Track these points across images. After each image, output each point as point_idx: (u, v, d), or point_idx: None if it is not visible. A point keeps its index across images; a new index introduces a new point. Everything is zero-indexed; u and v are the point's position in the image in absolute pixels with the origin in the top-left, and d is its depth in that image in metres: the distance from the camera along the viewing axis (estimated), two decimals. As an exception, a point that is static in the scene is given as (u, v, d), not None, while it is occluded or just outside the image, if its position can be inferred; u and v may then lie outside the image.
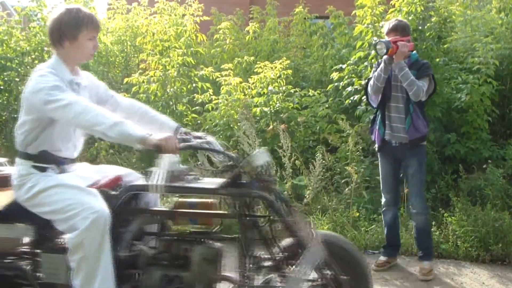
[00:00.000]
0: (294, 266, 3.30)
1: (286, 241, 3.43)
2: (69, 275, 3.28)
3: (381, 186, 5.56)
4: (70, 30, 3.39)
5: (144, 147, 3.15)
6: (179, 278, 3.35)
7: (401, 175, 5.58)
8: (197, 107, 8.61)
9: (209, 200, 3.55)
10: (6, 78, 9.71)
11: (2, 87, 9.82)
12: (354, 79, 7.82)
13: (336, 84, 8.23)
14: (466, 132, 7.13)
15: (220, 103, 8.03)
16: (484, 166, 6.75)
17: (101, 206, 3.21)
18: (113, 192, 3.43)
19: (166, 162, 3.37)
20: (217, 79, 8.58)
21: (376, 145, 5.47)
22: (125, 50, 11.12)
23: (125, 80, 8.87)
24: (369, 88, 5.33)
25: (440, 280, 5.24)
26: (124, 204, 3.41)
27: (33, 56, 10.32)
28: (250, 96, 8.27)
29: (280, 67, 8.22)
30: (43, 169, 3.41)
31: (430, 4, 7.93)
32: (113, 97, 3.84)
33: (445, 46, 7.85)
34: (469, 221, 5.97)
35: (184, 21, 9.86)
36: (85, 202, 3.20)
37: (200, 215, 3.51)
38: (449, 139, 7.03)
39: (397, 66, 5.06)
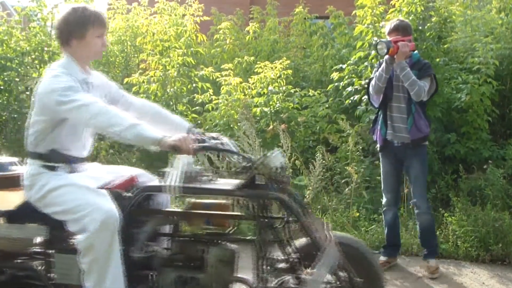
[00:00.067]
0: (309, 268, 3.28)
1: (301, 242, 3.42)
2: (82, 276, 3.28)
3: (382, 186, 5.56)
4: (77, 29, 3.39)
5: (160, 149, 3.14)
6: (194, 280, 3.33)
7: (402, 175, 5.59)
8: (197, 107, 8.61)
9: (224, 201, 3.54)
10: (6, 78, 9.69)
11: (2, 87, 9.80)
12: (354, 79, 7.82)
13: (336, 84, 8.23)
14: (466, 132, 7.13)
15: (220, 103, 8.03)
16: (485, 166, 6.75)
17: (110, 207, 3.20)
18: (127, 194, 3.41)
19: (181, 162, 3.36)
20: (217, 79, 8.57)
21: (378, 145, 5.47)
22: (125, 50, 11.12)
23: (125, 80, 8.86)
24: (370, 88, 5.33)
25: (440, 280, 5.23)
26: (138, 205, 3.40)
27: (33, 56, 10.31)
28: (250, 96, 8.27)
29: (280, 67, 8.22)
30: (53, 168, 3.41)
31: (430, 4, 7.93)
32: (125, 96, 3.83)
33: (445, 46, 7.85)
34: (469, 221, 5.97)
35: (184, 21, 9.86)
36: (94, 203, 3.20)
37: (216, 216, 3.50)
38: (449, 139, 7.03)
39: (399, 66, 5.06)
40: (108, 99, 3.61)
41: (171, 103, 8.59)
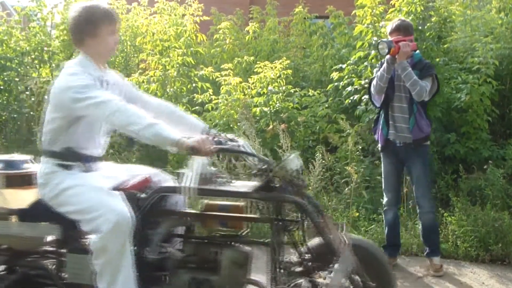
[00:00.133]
0: (324, 272, 3.28)
1: (315, 246, 3.41)
2: (94, 276, 3.27)
3: (383, 185, 5.56)
4: (88, 27, 3.38)
5: (178, 150, 3.13)
6: (207, 281, 3.32)
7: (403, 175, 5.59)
8: (197, 107, 8.60)
9: (239, 203, 3.53)
10: (6, 78, 9.70)
11: (2, 87, 9.81)
12: (354, 79, 7.82)
13: (336, 84, 8.23)
14: (466, 132, 7.13)
15: (220, 103, 8.03)
16: (485, 167, 6.75)
17: (124, 208, 3.18)
18: (142, 195, 3.40)
19: (198, 164, 3.34)
20: (217, 79, 8.57)
21: (379, 145, 5.47)
22: (125, 50, 11.11)
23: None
24: (372, 88, 5.33)
25: (440, 280, 5.23)
26: (153, 206, 3.39)
27: (32, 56, 10.32)
28: (250, 96, 8.27)
29: (280, 67, 8.21)
30: (67, 167, 3.40)
31: (430, 4, 7.92)
32: (141, 96, 3.82)
33: (445, 46, 7.85)
34: (469, 221, 5.97)
35: (184, 21, 9.85)
36: (107, 204, 3.18)
37: (231, 218, 3.49)
38: (449, 139, 7.02)
39: (400, 66, 5.06)
40: (124, 98, 3.57)
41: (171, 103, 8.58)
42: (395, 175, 5.45)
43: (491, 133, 7.33)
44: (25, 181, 3.67)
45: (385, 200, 5.52)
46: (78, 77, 3.25)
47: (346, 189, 6.64)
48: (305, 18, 10.96)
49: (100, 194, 3.25)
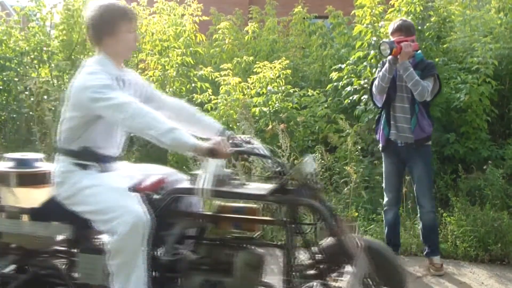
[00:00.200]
0: (335, 274, 3.28)
1: (328, 248, 3.38)
2: (106, 276, 3.25)
3: (383, 185, 5.56)
4: (106, 25, 3.36)
5: (197, 154, 3.12)
6: (221, 284, 3.30)
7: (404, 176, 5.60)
8: (196, 107, 8.59)
9: (254, 206, 3.51)
10: (5, 78, 9.68)
11: (1, 87, 9.79)
12: (353, 79, 7.82)
13: (335, 84, 8.23)
14: (465, 132, 7.13)
15: (219, 103, 8.03)
16: (484, 167, 6.75)
17: (141, 210, 3.16)
18: (156, 196, 3.39)
19: (213, 166, 3.31)
20: (216, 79, 8.57)
21: (380, 145, 5.47)
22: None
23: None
24: (373, 88, 5.33)
25: (439, 280, 5.23)
26: (167, 207, 3.37)
27: (32, 56, 10.30)
28: (249, 96, 8.27)
29: (279, 67, 8.22)
30: (85, 167, 3.37)
31: (429, 4, 7.94)
32: (159, 96, 3.80)
33: (444, 46, 7.85)
34: (468, 221, 5.97)
35: (183, 21, 9.85)
36: (125, 205, 3.15)
37: (246, 220, 3.47)
38: (448, 139, 7.02)
39: (402, 66, 5.06)
40: (142, 98, 3.57)
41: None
42: (396, 175, 5.45)
43: (490, 133, 7.33)
44: (37, 179, 3.64)
45: (385, 200, 5.52)
46: (97, 76, 3.23)
47: (345, 189, 6.64)
48: (304, 18, 10.98)
49: (117, 195, 3.23)
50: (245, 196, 3.40)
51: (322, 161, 6.60)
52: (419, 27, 7.55)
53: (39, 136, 8.55)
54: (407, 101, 5.20)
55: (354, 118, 7.68)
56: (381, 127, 5.36)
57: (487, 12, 8.87)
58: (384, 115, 5.34)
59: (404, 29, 5.20)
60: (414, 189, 5.41)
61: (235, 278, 3.29)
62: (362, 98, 7.54)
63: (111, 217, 3.14)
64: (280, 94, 8.12)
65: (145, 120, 3.07)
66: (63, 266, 3.52)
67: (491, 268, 5.55)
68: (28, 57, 10.24)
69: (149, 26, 9.43)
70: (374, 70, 7.39)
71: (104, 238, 3.44)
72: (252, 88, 8.35)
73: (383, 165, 5.56)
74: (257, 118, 7.90)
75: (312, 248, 3.36)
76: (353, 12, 8.50)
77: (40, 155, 3.84)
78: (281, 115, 7.83)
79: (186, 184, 3.48)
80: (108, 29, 3.36)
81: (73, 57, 10.58)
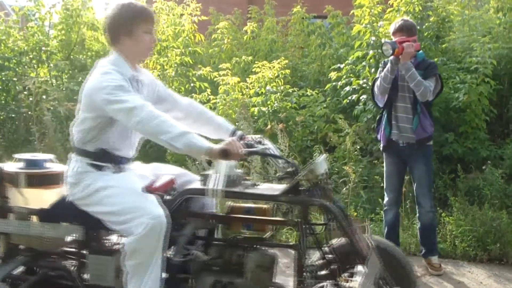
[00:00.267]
0: (346, 274, 3.27)
1: (339, 248, 3.38)
2: (116, 278, 3.25)
3: (384, 185, 5.56)
4: (124, 25, 3.33)
5: (210, 157, 3.11)
6: (232, 285, 3.29)
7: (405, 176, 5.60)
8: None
9: (264, 206, 3.50)
10: (4, 78, 9.70)
11: (0, 87, 9.80)
12: (352, 79, 7.82)
13: (334, 83, 8.23)
14: (464, 132, 7.12)
15: (218, 102, 8.02)
16: (484, 167, 6.75)
17: (160, 212, 3.14)
18: (168, 197, 3.37)
19: (224, 166, 3.29)
20: (215, 79, 8.57)
21: (382, 145, 5.47)
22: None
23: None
24: (375, 89, 5.33)
25: (438, 279, 5.24)
26: (179, 208, 3.35)
27: (30, 56, 10.32)
28: (248, 96, 8.27)
29: (278, 67, 8.22)
30: (100, 168, 3.35)
31: (428, 4, 7.94)
32: (172, 95, 3.76)
33: (443, 45, 7.85)
34: (467, 221, 5.97)
35: (182, 20, 9.86)
36: (143, 207, 3.14)
37: (258, 221, 3.45)
38: (447, 139, 7.01)
39: (404, 66, 5.05)
40: (155, 98, 3.56)
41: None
42: (397, 176, 5.44)
43: (489, 133, 7.33)
44: (46, 180, 3.63)
45: (386, 200, 5.51)
46: (111, 76, 3.20)
47: (344, 188, 6.64)
48: (303, 18, 10.96)
49: (135, 197, 3.22)
50: (257, 197, 3.39)
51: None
52: (418, 27, 7.54)
53: (38, 136, 8.56)
54: (409, 101, 5.19)
55: (353, 118, 7.68)
56: (383, 127, 5.36)
57: (486, 12, 8.87)
58: (385, 115, 5.34)
59: (405, 29, 5.20)
60: (414, 188, 5.40)
61: (247, 279, 3.28)
62: (361, 98, 7.54)
63: (129, 218, 3.13)
64: (279, 94, 8.12)
65: (157, 125, 3.05)
66: (73, 268, 3.51)
67: (490, 268, 5.55)
68: (27, 57, 10.26)
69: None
70: (373, 70, 7.41)
71: (114, 239, 3.47)
72: (251, 88, 8.35)
73: (384, 165, 5.56)
74: (256, 118, 7.90)
75: (324, 248, 3.35)
76: (352, 12, 8.50)
77: (50, 156, 3.82)
78: (280, 115, 7.83)
79: (197, 185, 3.45)
80: (125, 29, 3.34)
81: (71, 57, 10.61)
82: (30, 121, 9.12)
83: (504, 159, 6.94)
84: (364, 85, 7.53)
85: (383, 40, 7.27)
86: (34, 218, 3.51)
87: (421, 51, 5.33)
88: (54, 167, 3.72)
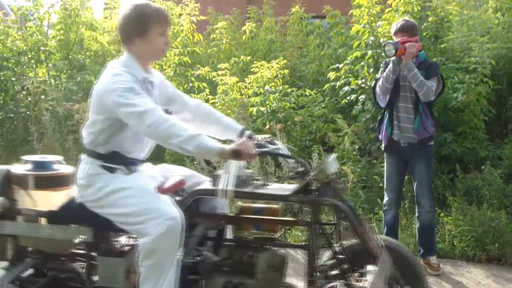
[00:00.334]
0: (356, 274, 3.25)
1: (350, 248, 3.37)
2: (126, 279, 3.24)
3: (384, 185, 5.56)
4: (138, 26, 3.28)
5: (222, 158, 3.09)
6: (243, 285, 3.27)
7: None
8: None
9: (274, 206, 3.49)
10: (2, 78, 9.69)
11: (-2, 87, 9.80)
12: (350, 79, 7.81)
13: (332, 83, 8.23)
14: (462, 132, 7.12)
15: (217, 102, 8.02)
16: (482, 167, 6.75)
17: (175, 212, 3.12)
18: (177, 197, 3.34)
19: (234, 166, 3.28)
20: (214, 79, 8.58)
21: (383, 145, 5.47)
22: (122, 50, 11.10)
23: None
24: (377, 89, 5.33)
25: (436, 279, 5.23)
26: (189, 208, 3.32)
27: (29, 56, 10.32)
28: (247, 96, 8.27)
29: (277, 67, 8.22)
30: (112, 170, 3.32)
31: (427, 4, 7.94)
32: (181, 96, 3.73)
33: (442, 45, 7.85)
34: (465, 221, 5.97)
35: (180, 20, 9.85)
36: (159, 208, 3.11)
37: (267, 221, 3.44)
38: (446, 139, 7.01)
39: (406, 67, 5.05)
40: (165, 99, 3.54)
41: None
42: (397, 176, 5.44)
43: (488, 133, 7.33)
44: (55, 182, 3.59)
45: (385, 199, 5.51)
46: (121, 78, 3.16)
47: (343, 188, 6.63)
48: (301, 18, 10.96)
49: (150, 197, 3.19)
50: (268, 197, 3.37)
51: (319, 161, 6.58)
52: (417, 27, 7.55)
53: (36, 136, 8.55)
54: (411, 101, 5.20)
55: (351, 118, 7.68)
56: (384, 127, 5.36)
57: (485, 12, 8.88)
58: (387, 115, 5.34)
59: (407, 30, 5.20)
60: (414, 188, 5.41)
61: (257, 279, 3.27)
62: (359, 97, 7.54)
63: (144, 219, 3.11)
64: (277, 94, 8.12)
65: (166, 128, 3.03)
66: (82, 270, 3.50)
67: (489, 268, 5.55)
68: (26, 57, 10.26)
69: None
70: (371, 70, 7.41)
71: (124, 240, 3.46)
72: (250, 88, 8.35)
73: (385, 165, 5.55)
74: (254, 118, 7.90)
75: (335, 248, 3.35)
76: (350, 12, 8.50)
77: (58, 157, 3.79)
78: (278, 115, 7.83)
79: (207, 185, 3.44)
80: (139, 30, 3.29)
81: (70, 56, 10.60)
82: (28, 121, 9.11)
83: (502, 159, 6.94)
84: (363, 85, 7.53)
85: (381, 40, 7.32)
86: (43, 220, 3.48)
87: (422, 51, 5.34)
88: (63, 168, 3.70)
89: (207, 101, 8.29)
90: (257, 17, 11.91)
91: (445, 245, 5.87)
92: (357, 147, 7.12)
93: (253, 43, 10.87)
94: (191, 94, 8.51)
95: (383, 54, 7.16)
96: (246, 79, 8.45)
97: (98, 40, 10.96)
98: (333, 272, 3.33)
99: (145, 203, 3.16)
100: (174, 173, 3.61)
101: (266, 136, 3.74)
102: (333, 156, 3.36)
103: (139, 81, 3.26)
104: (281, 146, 3.60)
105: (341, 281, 3.25)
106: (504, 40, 7.81)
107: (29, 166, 3.64)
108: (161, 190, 3.32)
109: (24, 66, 10.20)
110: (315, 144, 7.31)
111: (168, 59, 8.73)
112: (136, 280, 3.19)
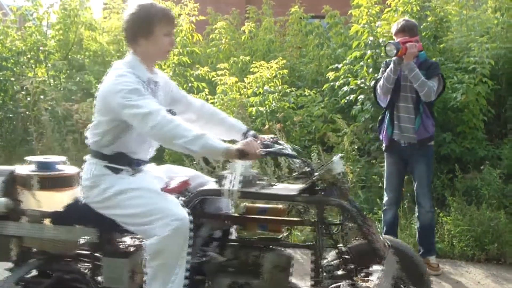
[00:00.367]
0: (362, 274, 3.24)
1: (355, 248, 3.36)
2: (131, 280, 3.23)
3: (384, 185, 5.56)
4: (144, 26, 3.25)
5: (227, 158, 3.08)
6: (249, 286, 3.25)
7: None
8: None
9: (279, 206, 3.47)
10: (1, 78, 9.69)
11: (-3, 87, 9.80)
12: (349, 79, 7.82)
13: (331, 83, 8.24)
14: (461, 132, 7.13)
15: (216, 102, 8.02)
16: (482, 167, 6.75)
17: (184, 213, 3.10)
18: (184, 198, 3.32)
19: (239, 166, 3.26)
20: (213, 79, 8.58)
21: (384, 145, 5.47)
22: (121, 49, 11.09)
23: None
24: (378, 89, 5.33)
25: (436, 279, 5.22)
26: (194, 209, 3.29)
27: (28, 56, 10.32)
28: (246, 96, 8.27)
29: (276, 67, 8.22)
30: (117, 171, 3.30)
31: (426, 3, 7.95)
32: (185, 97, 3.72)
33: (441, 45, 7.86)
34: (464, 221, 5.97)
35: (180, 20, 9.85)
36: (166, 209, 3.09)
37: (273, 221, 3.43)
38: (445, 139, 7.01)
39: (407, 67, 5.05)
40: (170, 99, 3.53)
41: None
42: (397, 176, 5.44)
43: (487, 133, 7.33)
44: (59, 183, 3.58)
45: (385, 199, 5.51)
46: (126, 79, 3.14)
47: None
48: (301, 17, 10.96)
49: (157, 198, 3.17)
50: (274, 197, 3.35)
51: (319, 161, 6.59)
52: (416, 27, 7.56)
53: (36, 136, 8.55)
54: (411, 101, 5.20)
55: (350, 117, 7.68)
56: (385, 127, 5.36)
57: (484, 12, 8.88)
58: (387, 115, 5.34)
59: (407, 30, 5.20)
60: (414, 188, 5.41)
61: (263, 280, 3.25)
62: (358, 97, 7.54)
63: (151, 220, 3.09)
64: (276, 94, 8.13)
65: (170, 129, 3.01)
66: (87, 270, 3.48)
67: (488, 268, 5.55)
68: (25, 57, 10.26)
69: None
70: (370, 70, 7.41)
71: (129, 241, 3.45)
72: (249, 87, 8.35)
73: (385, 165, 5.55)
74: (253, 118, 7.90)
75: (341, 248, 3.34)
76: (349, 12, 8.51)
77: (62, 158, 3.77)
78: (277, 115, 7.83)
79: (213, 186, 3.42)
80: (144, 30, 3.26)
81: (69, 56, 10.61)
82: (28, 121, 9.11)
83: (501, 159, 6.95)
84: (362, 85, 7.53)
85: (381, 40, 7.32)
86: (47, 221, 3.46)
87: (423, 51, 5.34)
88: (67, 169, 3.68)
89: (206, 101, 8.30)
90: (256, 17, 11.91)
91: (444, 245, 5.87)
92: (356, 147, 7.12)
93: (252, 43, 10.87)
94: (190, 94, 8.49)
95: (382, 54, 7.20)
96: (245, 79, 8.45)
97: (97, 40, 10.95)
98: (339, 272, 3.32)
99: (153, 203, 3.14)
100: (178, 173, 3.60)
101: (271, 136, 3.71)
102: (338, 156, 3.35)
103: (144, 81, 3.25)
104: (286, 146, 3.59)
105: (346, 281, 3.25)
106: (503, 40, 7.81)
107: (33, 167, 3.62)
108: (166, 190, 3.30)
109: (23, 66, 10.21)
110: (314, 144, 7.31)
111: (167, 59, 8.72)
112: (143, 281, 3.17)
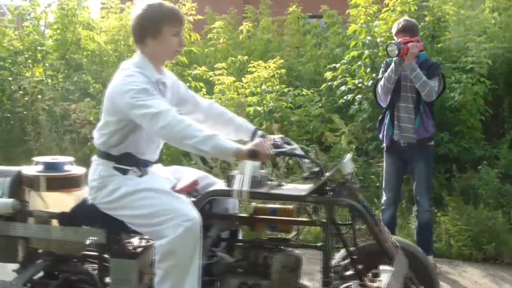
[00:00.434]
0: (370, 274, 3.22)
1: (364, 248, 3.34)
2: (139, 281, 3.22)
3: (383, 184, 5.56)
4: (152, 26, 3.22)
5: (238, 158, 3.05)
6: (258, 286, 3.23)
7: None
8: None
9: (289, 206, 3.46)
10: (-1, 77, 9.69)
11: (-5, 87, 9.79)
12: (347, 79, 7.82)
13: (329, 83, 8.24)
14: (459, 131, 7.13)
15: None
16: (479, 167, 6.76)
17: (195, 214, 3.07)
18: (193, 198, 3.29)
19: (249, 167, 3.24)
20: (211, 79, 8.57)
21: (384, 145, 5.47)
22: (119, 49, 11.08)
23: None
24: (378, 89, 5.33)
25: (433, 279, 5.24)
26: (203, 209, 3.27)
27: (26, 56, 10.31)
28: (244, 96, 8.26)
29: (274, 67, 8.21)
30: (125, 171, 3.27)
31: (424, 3, 7.95)
32: (193, 97, 3.69)
33: (439, 45, 7.86)
34: (462, 220, 5.98)
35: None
36: (177, 209, 3.06)
37: (282, 222, 3.42)
38: (442, 138, 7.02)
39: (409, 67, 5.05)
40: (178, 99, 3.51)
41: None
42: (396, 176, 5.44)
43: (485, 133, 7.34)
44: (66, 183, 3.57)
45: (384, 199, 5.51)
46: (134, 79, 3.11)
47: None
48: (299, 17, 10.97)
49: (167, 199, 3.14)
50: (284, 197, 3.33)
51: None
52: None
53: (33, 136, 8.54)
54: (412, 101, 5.20)
55: (348, 117, 7.69)
56: (385, 127, 5.36)
57: (482, 12, 8.88)
58: (388, 115, 5.34)
59: (408, 29, 5.21)
60: (414, 188, 5.41)
61: (272, 280, 3.23)
62: (356, 97, 7.55)
63: (161, 221, 3.06)
64: (274, 93, 8.12)
65: (182, 129, 2.98)
66: (95, 272, 3.47)
67: (485, 267, 5.56)
68: (22, 57, 10.25)
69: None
70: (368, 69, 7.41)
71: (136, 242, 3.44)
72: (247, 87, 8.34)
73: (384, 164, 5.55)
74: (251, 117, 7.89)
75: (350, 248, 3.33)
76: (347, 11, 8.52)
77: (69, 159, 3.75)
78: (275, 115, 7.83)
79: (222, 186, 3.40)
80: (152, 30, 3.23)
81: (67, 56, 10.60)
82: (25, 121, 9.10)
83: (499, 158, 6.95)
84: (360, 85, 7.54)
85: (378, 40, 7.33)
86: (54, 222, 3.45)
87: (423, 51, 5.34)
88: (74, 170, 3.67)
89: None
90: (254, 17, 11.91)
91: (441, 244, 5.88)
92: (354, 146, 7.12)
93: (250, 43, 10.88)
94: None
95: (380, 53, 7.20)
96: (243, 78, 8.44)
97: (95, 40, 10.93)
98: (348, 273, 3.32)
99: (163, 204, 3.11)
100: (185, 174, 3.56)
101: (279, 136, 3.69)
102: (348, 156, 3.31)
103: (152, 82, 3.22)
104: (296, 146, 3.56)
105: (356, 281, 3.23)
106: (501, 40, 7.82)
107: (40, 167, 3.60)
108: (175, 191, 3.27)
109: (21, 66, 10.20)
110: (312, 144, 7.31)
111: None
112: (153, 282, 3.15)
